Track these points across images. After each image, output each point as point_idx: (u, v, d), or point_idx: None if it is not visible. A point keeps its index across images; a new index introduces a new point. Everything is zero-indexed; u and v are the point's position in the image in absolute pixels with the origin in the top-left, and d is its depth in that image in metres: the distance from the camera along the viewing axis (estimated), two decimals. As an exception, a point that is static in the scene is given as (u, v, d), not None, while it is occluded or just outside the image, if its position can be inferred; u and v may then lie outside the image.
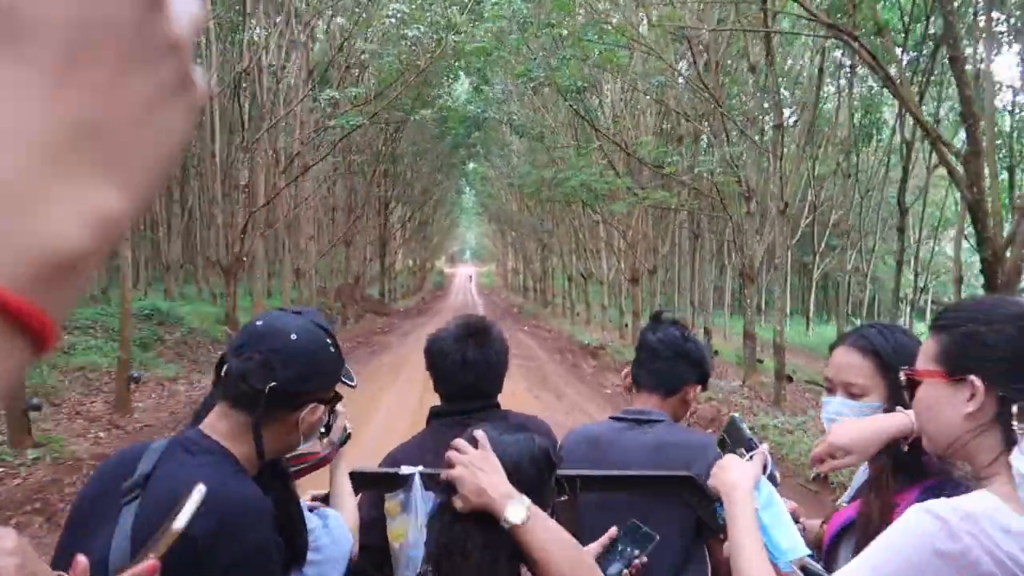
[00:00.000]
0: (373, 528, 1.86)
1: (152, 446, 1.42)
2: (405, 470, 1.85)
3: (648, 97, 18.18)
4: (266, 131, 13.28)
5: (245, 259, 13.24)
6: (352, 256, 27.79)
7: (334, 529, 1.65)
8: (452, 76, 22.09)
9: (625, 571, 1.68)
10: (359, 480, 1.90)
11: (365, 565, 1.83)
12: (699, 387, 2.20)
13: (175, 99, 0.35)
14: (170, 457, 1.39)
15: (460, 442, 1.42)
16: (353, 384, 1.74)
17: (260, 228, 14.93)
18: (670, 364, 2.14)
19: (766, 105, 13.17)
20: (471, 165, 43.17)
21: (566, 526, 1.40)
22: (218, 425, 1.44)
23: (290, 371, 1.42)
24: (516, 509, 1.31)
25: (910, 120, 15.72)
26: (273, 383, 1.40)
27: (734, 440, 1.65)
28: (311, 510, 1.67)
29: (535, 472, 1.41)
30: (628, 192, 16.11)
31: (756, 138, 11.75)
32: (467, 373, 2.04)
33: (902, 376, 1.28)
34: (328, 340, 1.51)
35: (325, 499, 1.85)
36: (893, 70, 8.48)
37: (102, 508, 1.34)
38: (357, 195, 25.16)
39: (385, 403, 11.07)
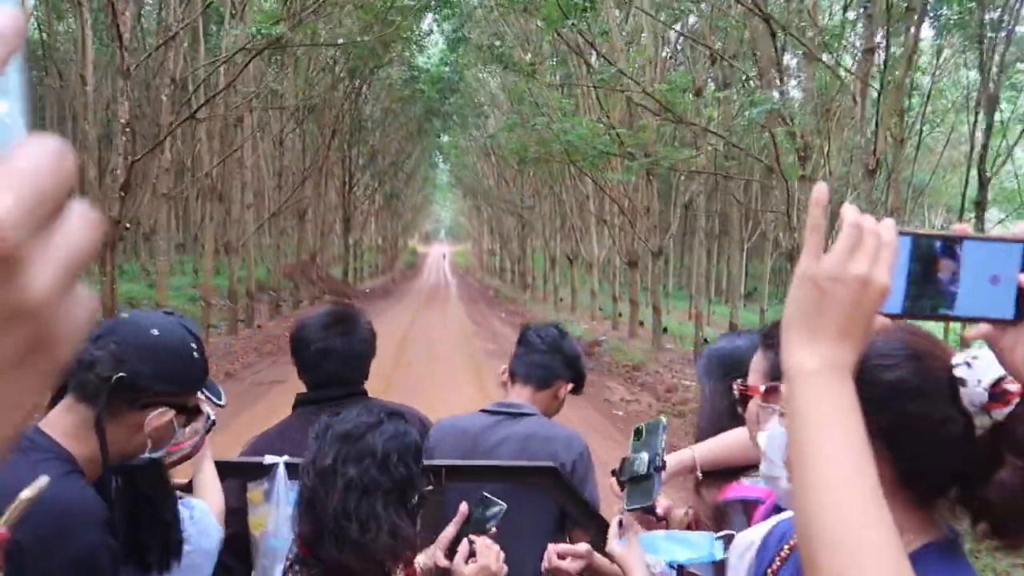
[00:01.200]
0: (234, 517, 1.83)
1: None
2: (269, 459, 1.84)
3: (661, 42, 14.90)
4: (154, 52, 9.71)
5: (128, 226, 9.71)
6: (307, 230, 24.25)
7: (200, 520, 1.61)
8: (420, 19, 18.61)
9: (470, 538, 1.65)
10: (222, 469, 1.84)
11: (225, 556, 1.75)
12: (571, 386, 2.28)
13: (21, 369, 0.29)
14: None
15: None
16: (221, 403, 1.70)
17: (162, 187, 11.41)
18: (546, 358, 2.22)
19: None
20: (445, 138, 39.92)
21: (432, 516, 1.53)
22: (59, 421, 1.35)
23: (142, 366, 1.35)
24: None
25: (995, 70, 12.60)
26: (121, 375, 1.33)
27: (647, 441, 1.63)
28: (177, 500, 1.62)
29: (406, 464, 1.43)
30: (630, 156, 12.87)
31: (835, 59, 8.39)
32: (331, 361, 2.06)
33: (735, 389, 1.27)
34: (193, 345, 1.46)
35: (186, 488, 1.76)
36: None
37: None
38: (315, 157, 21.45)
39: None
